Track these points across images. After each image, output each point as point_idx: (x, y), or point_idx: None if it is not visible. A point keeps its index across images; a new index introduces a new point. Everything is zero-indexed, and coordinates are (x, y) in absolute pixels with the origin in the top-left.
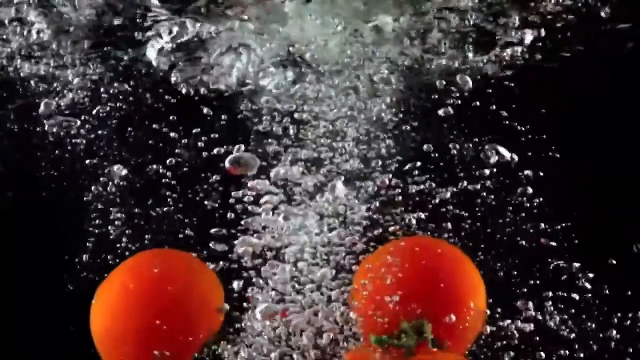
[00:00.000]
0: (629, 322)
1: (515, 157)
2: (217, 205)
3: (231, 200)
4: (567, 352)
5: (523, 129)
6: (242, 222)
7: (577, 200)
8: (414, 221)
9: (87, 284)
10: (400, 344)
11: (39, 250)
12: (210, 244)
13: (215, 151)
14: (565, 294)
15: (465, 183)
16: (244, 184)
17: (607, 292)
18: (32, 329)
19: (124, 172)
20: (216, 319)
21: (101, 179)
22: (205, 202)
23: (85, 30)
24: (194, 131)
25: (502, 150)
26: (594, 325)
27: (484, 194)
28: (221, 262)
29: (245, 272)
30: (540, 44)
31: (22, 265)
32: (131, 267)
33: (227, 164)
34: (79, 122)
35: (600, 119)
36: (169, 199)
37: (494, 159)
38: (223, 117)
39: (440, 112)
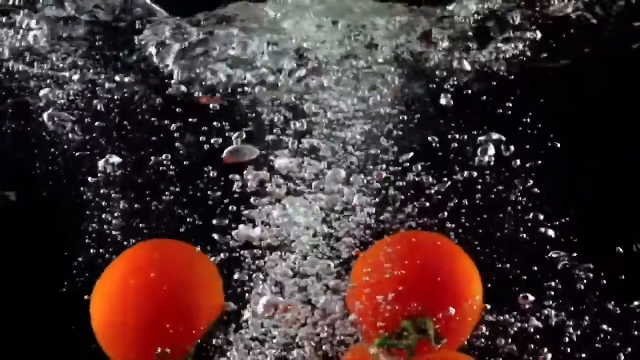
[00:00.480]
0: (627, 315)
1: (512, 148)
2: (217, 197)
3: (231, 192)
4: (565, 345)
5: (523, 122)
6: (243, 213)
7: (577, 195)
8: (410, 214)
9: (87, 281)
10: (404, 345)
11: (38, 248)
12: (208, 235)
13: (214, 141)
14: (563, 288)
15: (462, 176)
16: (245, 175)
17: (606, 285)
18: (31, 328)
19: (123, 165)
20: (216, 309)
21: (99, 175)
22: (206, 194)
23: (83, 29)
24: (190, 120)
25: (497, 137)
26: (592, 319)
27: (482, 187)
28: (222, 254)
29: (245, 263)
30: (546, 43)
31: (21, 263)
32: (131, 258)
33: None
34: (76, 118)
35: (604, 117)
36: (169, 192)
37: (492, 152)
38: (223, 110)
39: (442, 103)
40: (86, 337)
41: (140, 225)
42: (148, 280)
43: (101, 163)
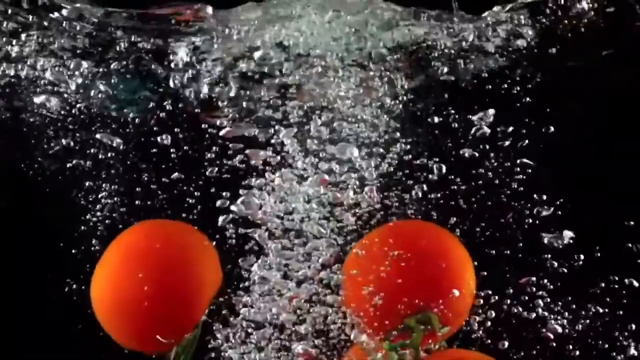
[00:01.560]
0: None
1: (509, 138)
2: (216, 177)
3: (230, 173)
4: (560, 333)
5: (519, 104)
6: (241, 192)
7: (576, 187)
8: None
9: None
10: (411, 344)
11: (36, 246)
12: (209, 217)
13: (217, 122)
14: (557, 271)
15: (457, 165)
16: (244, 157)
17: (603, 269)
18: (31, 328)
19: (120, 145)
20: (216, 284)
21: (95, 159)
22: (205, 175)
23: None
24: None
25: (492, 120)
26: (587, 302)
27: (476, 176)
28: (220, 235)
29: (243, 244)
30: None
31: (18, 261)
32: (129, 238)
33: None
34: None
35: (610, 113)
36: (167, 174)
37: (485, 131)
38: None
39: (444, 95)
40: (85, 338)
41: (136, 210)
42: (149, 258)
43: (96, 148)
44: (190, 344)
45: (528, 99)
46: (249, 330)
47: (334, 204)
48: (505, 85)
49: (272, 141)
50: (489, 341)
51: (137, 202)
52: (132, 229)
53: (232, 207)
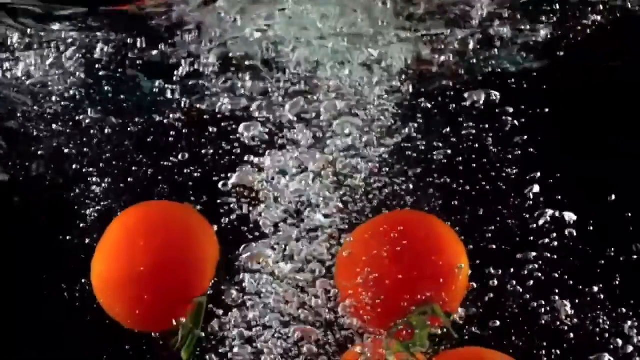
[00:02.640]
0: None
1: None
2: (213, 158)
3: (227, 154)
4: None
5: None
6: (239, 171)
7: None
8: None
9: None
10: (418, 343)
11: (35, 245)
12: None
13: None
14: (550, 252)
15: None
16: (240, 138)
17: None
18: (30, 327)
19: (115, 141)
20: (215, 259)
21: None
22: (202, 156)
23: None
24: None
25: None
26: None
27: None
28: (218, 215)
29: (241, 225)
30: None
31: (18, 260)
32: (128, 217)
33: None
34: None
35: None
36: (165, 156)
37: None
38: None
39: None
40: (85, 338)
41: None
42: (149, 236)
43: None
44: (194, 326)
45: (531, 95)
46: (249, 313)
47: (333, 187)
48: (508, 84)
49: (270, 125)
50: (485, 332)
51: (135, 198)
52: (130, 209)
53: (230, 188)
